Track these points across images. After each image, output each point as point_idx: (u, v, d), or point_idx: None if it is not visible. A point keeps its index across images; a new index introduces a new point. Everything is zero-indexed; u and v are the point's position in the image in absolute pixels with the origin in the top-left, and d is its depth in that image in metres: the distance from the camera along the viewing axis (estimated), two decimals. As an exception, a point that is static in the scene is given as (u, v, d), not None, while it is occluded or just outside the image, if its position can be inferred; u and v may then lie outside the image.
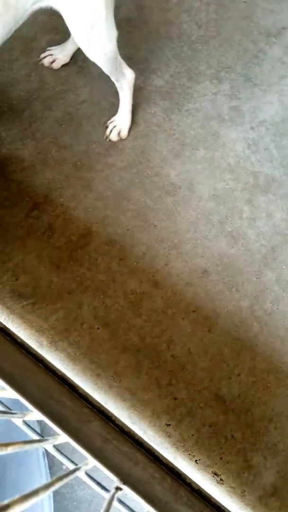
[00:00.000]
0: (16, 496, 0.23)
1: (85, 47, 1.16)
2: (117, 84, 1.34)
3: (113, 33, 1.17)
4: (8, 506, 0.21)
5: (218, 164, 1.36)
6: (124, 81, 1.32)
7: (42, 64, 1.49)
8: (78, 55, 1.42)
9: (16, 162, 1.34)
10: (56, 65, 1.49)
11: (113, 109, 1.43)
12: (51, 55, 1.49)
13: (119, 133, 1.40)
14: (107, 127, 1.42)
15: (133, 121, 1.41)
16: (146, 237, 1.25)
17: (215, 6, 1.59)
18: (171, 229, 1.27)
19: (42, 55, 1.49)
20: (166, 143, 1.38)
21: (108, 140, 1.41)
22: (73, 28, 1.12)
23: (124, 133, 1.41)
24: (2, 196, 1.20)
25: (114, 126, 1.40)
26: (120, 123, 1.40)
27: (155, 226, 1.27)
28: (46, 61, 1.49)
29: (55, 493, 1.05)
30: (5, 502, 0.21)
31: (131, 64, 1.46)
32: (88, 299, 1.18)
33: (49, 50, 1.49)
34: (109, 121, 1.42)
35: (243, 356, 1.14)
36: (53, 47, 1.49)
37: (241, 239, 1.26)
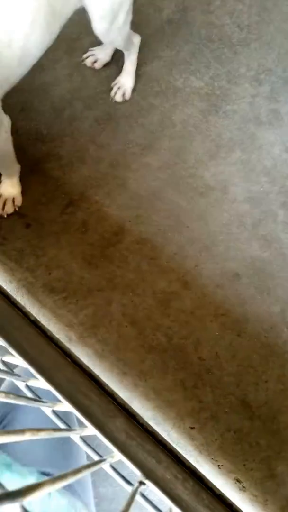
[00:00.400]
0: (47, 478, 0.23)
1: (104, 36, 1.22)
2: (126, 53, 1.40)
3: (129, 18, 1.23)
4: (38, 486, 0.22)
5: (253, 166, 1.35)
6: (133, 46, 1.38)
7: (85, 64, 1.51)
8: (120, 56, 1.44)
9: (55, 160, 1.36)
10: (98, 65, 1.52)
11: (152, 109, 1.43)
12: (93, 55, 1.51)
13: (123, 94, 1.45)
14: (111, 89, 1.46)
15: (170, 121, 1.41)
16: (177, 237, 1.25)
17: (258, 8, 1.57)
18: (203, 230, 1.26)
19: (85, 56, 1.52)
20: (202, 144, 1.38)
21: (113, 101, 1.46)
22: (96, 20, 1.16)
23: (128, 94, 1.46)
24: (39, 192, 1.23)
25: (119, 88, 1.46)
26: (124, 85, 1.45)
27: (187, 226, 1.27)
28: (88, 61, 1.51)
29: (77, 489, 1.06)
30: (37, 482, 0.22)
31: (171, 66, 1.47)
32: (118, 296, 1.19)
33: (91, 50, 1.52)
34: (113, 83, 1.47)
35: (272, 362, 1.13)
36: (95, 48, 1.52)
37: (275, 243, 1.25)
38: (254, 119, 1.42)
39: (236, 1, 1.59)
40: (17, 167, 1.25)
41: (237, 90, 1.46)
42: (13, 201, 1.28)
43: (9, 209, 1.28)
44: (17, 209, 1.29)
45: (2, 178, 1.26)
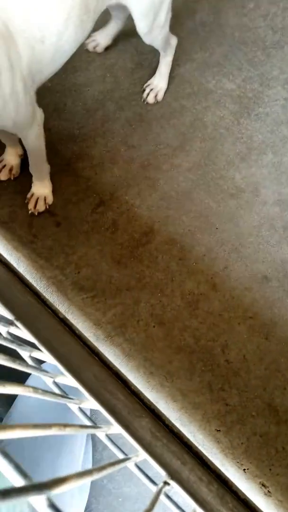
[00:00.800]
0: (73, 472, 0.24)
1: (146, 35, 1.24)
2: (162, 54, 1.40)
3: (169, 17, 1.24)
4: (65, 479, 0.22)
5: (285, 169, 1.33)
6: (170, 48, 1.39)
7: (86, 49, 1.54)
8: (153, 57, 1.44)
9: (86, 159, 1.38)
10: (100, 49, 1.55)
11: (184, 111, 1.43)
12: (94, 40, 1.54)
13: (156, 96, 1.45)
14: (144, 90, 1.47)
15: (202, 123, 1.41)
16: (207, 238, 1.25)
17: (293, 10, 1.56)
18: (232, 232, 1.25)
19: (86, 41, 1.54)
20: (233, 146, 1.37)
21: (145, 103, 1.46)
22: (138, 18, 1.18)
23: (160, 96, 1.46)
24: (71, 192, 1.24)
25: (151, 89, 1.46)
26: (157, 86, 1.46)
27: (217, 228, 1.26)
28: (90, 47, 1.55)
29: (102, 488, 1.07)
30: (63, 476, 0.22)
31: (204, 68, 1.46)
32: (146, 296, 1.19)
33: (92, 35, 1.54)
34: (146, 85, 1.47)
35: (300, 367, 1.11)
36: (95, 33, 1.54)
37: (305, 247, 1.23)
38: (287, 122, 1.40)
39: (270, 4, 1.58)
40: (47, 168, 1.27)
41: (270, 92, 1.45)
42: (45, 200, 1.31)
43: (41, 207, 1.31)
44: (48, 207, 1.31)
45: (33, 179, 1.29)
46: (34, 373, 0.41)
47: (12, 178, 1.35)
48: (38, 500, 0.20)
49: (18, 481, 0.21)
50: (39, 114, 1.09)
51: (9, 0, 0.87)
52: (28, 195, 1.32)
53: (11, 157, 1.34)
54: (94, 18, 1.06)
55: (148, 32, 1.23)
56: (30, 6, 0.90)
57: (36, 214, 1.31)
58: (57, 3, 0.92)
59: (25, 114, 1.01)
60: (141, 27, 1.20)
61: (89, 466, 1.05)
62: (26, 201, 1.32)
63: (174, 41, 1.39)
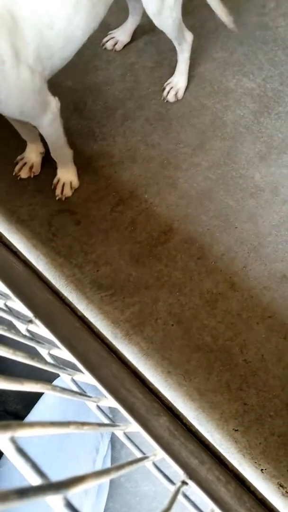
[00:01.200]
0: (91, 471, 0.24)
1: (155, 16, 1.23)
2: (178, 48, 1.39)
3: (180, 1, 1.23)
4: (83, 478, 0.22)
5: (306, 168, 1.32)
6: (185, 43, 1.38)
7: (105, 48, 1.54)
8: (173, 55, 1.44)
9: (106, 158, 1.39)
10: (119, 47, 1.55)
11: (204, 110, 1.43)
12: (113, 38, 1.54)
13: (176, 94, 1.45)
14: (164, 89, 1.46)
15: (221, 122, 1.41)
16: (226, 237, 1.25)
17: (315, 9, 1.54)
18: (252, 231, 1.25)
19: (104, 40, 1.54)
20: (253, 145, 1.36)
21: (166, 101, 1.46)
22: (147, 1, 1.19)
23: (180, 94, 1.46)
24: (90, 190, 1.25)
25: (171, 88, 1.45)
26: (177, 84, 1.45)
27: (236, 227, 1.26)
28: (109, 45, 1.55)
29: (119, 486, 1.07)
30: (81, 475, 0.22)
31: (224, 67, 1.46)
32: (164, 295, 1.19)
33: (111, 33, 1.54)
34: (166, 83, 1.47)
35: None
36: (114, 30, 1.54)
37: None
38: (308, 120, 1.39)
39: (291, 3, 1.56)
40: (69, 153, 1.28)
41: (290, 92, 1.44)
42: (70, 184, 1.33)
43: (67, 192, 1.33)
44: (74, 191, 1.34)
45: (57, 165, 1.31)
46: (52, 370, 0.41)
47: (32, 176, 1.37)
48: (55, 500, 0.20)
49: (35, 480, 0.21)
50: (54, 103, 1.08)
51: None
52: (54, 181, 1.34)
53: (32, 155, 1.36)
54: (106, 3, 1.06)
55: (158, 13, 1.21)
56: None
57: (63, 199, 1.33)
58: None
59: (33, 102, 1.01)
60: (150, 7, 1.19)
61: (108, 465, 1.06)
62: (52, 187, 1.34)
63: (190, 37, 1.38)
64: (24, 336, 0.44)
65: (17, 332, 0.43)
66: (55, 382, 1.02)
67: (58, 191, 1.33)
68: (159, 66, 1.52)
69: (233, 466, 0.89)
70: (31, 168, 1.36)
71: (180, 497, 0.38)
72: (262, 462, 1.01)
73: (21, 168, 1.37)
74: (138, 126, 1.43)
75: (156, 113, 1.45)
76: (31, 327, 0.51)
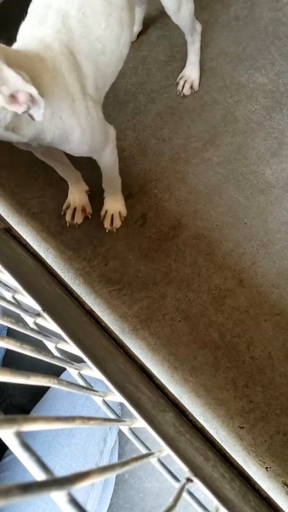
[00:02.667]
0: (95, 467, 0.23)
1: (175, 13, 1.22)
2: (189, 39, 1.38)
3: None
4: (87, 474, 0.22)
5: None
6: (196, 34, 1.37)
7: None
8: (185, 49, 1.43)
9: (117, 152, 1.38)
10: (133, 38, 1.53)
11: (215, 105, 1.42)
12: None
13: (191, 86, 1.44)
14: (177, 83, 1.46)
15: (233, 117, 1.39)
16: (235, 234, 1.24)
17: None
18: (261, 228, 1.24)
19: None
20: (264, 141, 1.35)
21: (181, 95, 1.45)
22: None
23: (196, 85, 1.45)
24: (100, 184, 1.24)
25: (185, 81, 1.44)
26: (190, 76, 1.44)
27: (245, 223, 1.25)
28: None
29: (123, 482, 1.07)
30: (85, 470, 0.22)
31: (236, 62, 1.44)
32: (172, 290, 1.19)
33: None
34: (179, 78, 1.46)
35: None
36: None
37: None
38: None
39: (306, -3, 1.54)
40: (119, 182, 1.23)
41: (303, 87, 1.42)
42: (119, 215, 1.28)
43: (118, 223, 1.28)
44: (122, 220, 1.29)
45: (105, 194, 1.26)
46: (59, 364, 0.41)
47: (90, 217, 1.31)
48: (58, 495, 0.20)
49: (39, 475, 0.21)
50: (111, 130, 1.05)
51: (68, 19, 0.85)
52: (102, 212, 1.29)
53: (79, 196, 1.30)
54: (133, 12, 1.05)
55: (177, 10, 1.21)
56: (88, 20, 0.87)
57: (115, 231, 1.28)
58: (107, 6, 0.90)
59: (100, 136, 0.98)
60: (170, 4, 1.19)
61: (115, 457, 1.06)
62: (101, 219, 1.29)
63: (199, 27, 1.37)
64: (32, 330, 0.44)
65: (25, 325, 0.43)
66: (63, 376, 1.03)
67: (107, 224, 1.27)
68: (171, 60, 1.51)
69: (238, 463, 0.89)
70: (83, 210, 1.30)
71: (184, 494, 0.38)
72: (267, 460, 1.01)
73: (73, 215, 1.30)
74: (149, 120, 1.43)
75: (168, 107, 1.44)
76: (39, 320, 0.51)
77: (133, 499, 1.06)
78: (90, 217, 1.31)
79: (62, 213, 1.31)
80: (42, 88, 0.76)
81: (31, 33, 0.84)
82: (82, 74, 0.87)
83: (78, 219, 1.29)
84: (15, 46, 0.83)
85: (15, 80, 0.64)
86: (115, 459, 1.05)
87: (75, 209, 1.29)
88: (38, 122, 0.79)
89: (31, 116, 0.71)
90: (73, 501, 0.21)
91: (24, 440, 0.22)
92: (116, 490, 1.06)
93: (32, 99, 0.67)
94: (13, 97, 0.67)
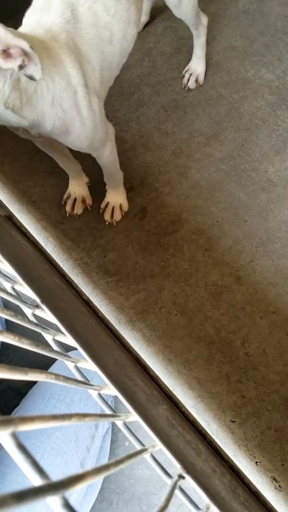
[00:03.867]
0: (90, 469, 0.24)
1: (176, 6, 1.22)
2: (195, 33, 1.38)
3: None
4: (82, 476, 0.22)
5: None
6: (202, 27, 1.36)
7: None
8: (192, 42, 1.42)
9: (119, 144, 1.37)
10: (140, 28, 1.54)
11: (220, 100, 1.42)
12: None
13: (196, 80, 1.44)
14: (183, 76, 1.45)
15: (237, 113, 1.39)
16: (234, 231, 1.24)
17: None
18: (261, 226, 1.24)
19: None
20: (268, 138, 1.35)
21: (186, 88, 1.45)
22: None
23: (201, 79, 1.45)
24: (101, 175, 1.24)
25: (191, 74, 1.44)
26: (196, 70, 1.44)
27: (245, 221, 1.25)
28: None
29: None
30: (80, 472, 0.22)
31: (243, 56, 1.44)
32: (170, 284, 1.20)
33: None
34: (184, 71, 1.46)
35: None
36: None
37: None
38: None
39: (316, -7, 1.53)
40: (121, 176, 1.24)
41: (310, 85, 1.42)
42: (120, 208, 1.28)
43: (118, 216, 1.28)
44: (123, 214, 1.29)
45: (107, 187, 1.26)
46: (57, 357, 0.42)
47: (89, 209, 1.32)
48: (52, 499, 0.20)
49: (34, 479, 0.21)
50: (111, 129, 1.05)
51: (78, 7, 0.85)
52: (102, 205, 1.29)
53: (79, 188, 1.31)
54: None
55: (178, 3, 1.20)
56: (97, 6, 0.87)
57: (115, 224, 1.28)
58: None
59: (101, 132, 0.97)
60: None
61: (107, 444, 1.08)
62: (100, 211, 1.30)
63: (205, 20, 1.36)
64: (30, 322, 0.44)
65: (23, 317, 0.43)
66: (55, 365, 1.04)
67: (107, 216, 1.28)
68: (177, 52, 1.51)
69: (228, 457, 0.90)
70: (83, 201, 1.31)
71: (176, 491, 0.38)
72: (257, 455, 1.02)
73: (73, 206, 1.31)
74: (152, 113, 1.42)
75: (172, 100, 1.44)
76: (38, 312, 0.52)
77: (124, 485, 1.07)
78: (89, 208, 1.31)
79: (62, 203, 1.31)
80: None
81: (38, 20, 0.83)
82: (88, 66, 0.87)
83: (78, 210, 1.30)
84: (20, 30, 0.83)
85: (4, 35, 0.64)
86: (107, 445, 1.07)
87: (75, 200, 1.30)
88: (38, 107, 0.79)
89: (31, 77, 0.70)
90: (67, 505, 0.21)
91: (20, 442, 0.22)
92: (108, 475, 1.07)
93: (25, 53, 0.67)
94: (5, 54, 0.67)
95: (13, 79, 0.72)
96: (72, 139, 0.93)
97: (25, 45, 0.65)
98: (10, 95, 0.74)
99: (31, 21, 0.84)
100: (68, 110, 0.84)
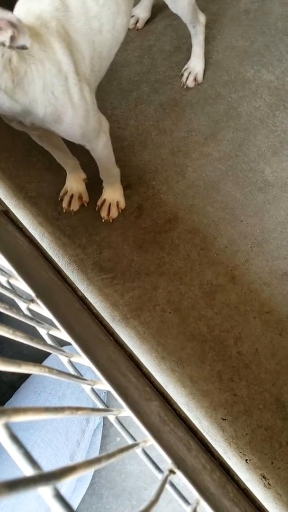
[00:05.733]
0: (81, 461, 0.24)
1: (172, 1, 1.22)
2: (192, 31, 1.38)
3: None
4: (73, 468, 0.22)
5: None
6: (199, 25, 1.36)
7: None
8: (189, 41, 1.42)
9: (117, 141, 1.38)
10: (141, 25, 1.54)
11: (219, 99, 1.42)
12: (133, 16, 1.52)
13: (195, 78, 1.44)
14: (182, 75, 1.46)
15: (236, 113, 1.40)
16: (230, 230, 1.25)
17: None
18: (257, 226, 1.25)
19: None
20: (266, 139, 1.36)
21: (185, 87, 1.45)
22: None
23: (200, 78, 1.45)
24: (97, 173, 1.25)
25: (189, 73, 1.44)
26: (195, 68, 1.44)
27: (241, 221, 1.26)
28: (130, 24, 1.53)
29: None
30: (72, 464, 0.22)
31: (243, 56, 1.44)
32: (164, 282, 1.21)
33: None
34: (183, 69, 1.46)
35: (311, 366, 1.12)
36: (133, 8, 1.52)
37: None
38: None
39: None
40: (117, 172, 1.24)
41: (309, 86, 1.42)
42: (117, 205, 1.28)
43: (114, 213, 1.28)
44: (120, 211, 1.29)
45: (104, 184, 1.26)
46: (51, 351, 0.42)
47: (86, 205, 1.32)
48: (44, 490, 0.20)
49: (26, 469, 0.21)
50: (105, 121, 1.05)
51: None
52: (99, 202, 1.29)
53: (76, 184, 1.31)
54: None
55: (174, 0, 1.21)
56: None
57: (111, 221, 1.28)
58: None
59: (94, 122, 0.98)
60: None
61: (98, 438, 1.08)
62: (96, 209, 1.30)
63: (203, 18, 1.36)
64: (25, 316, 0.44)
65: (18, 311, 0.44)
66: (48, 360, 1.05)
67: (104, 213, 1.28)
68: (177, 51, 1.51)
69: (219, 454, 0.91)
70: (80, 197, 1.31)
71: (167, 486, 0.39)
72: (247, 452, 1.03)
73: (69, 202, 1.30)
74: (151, 111, 1.43)
75: (171, 98, 1.44)
76: (32, 306, 0.52)
77: (115, 480, 1.08)
78: (86, 205, 1.31)
79: (59, 199, 1.31)
80: (30, 53, 0.78)
81: (28, 8, 0.84)
82: (79, 54, 0.88)
83: (74, 206, 1.30)
84: None
85: None
86: (98, 440, 1.08)
87: (72, 196, 1.30)
88: (29, 92, 0.80)
89: (23, 47, 0.71)
90: (59, 496, 0.21)
91: (13, 432, 0.22)
92: (98, 470, 1.08)
93: (13, 25, 0.68)
94: None
95: (4, 59, 0.73)
96: (65, 127, 0.93)
97: (11, 17, 0.66)
98: (2, 75, 0.75)
99: (22, 9, 0.85)
100: (59, 96, 0.85)
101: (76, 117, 0.91)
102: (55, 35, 0.82)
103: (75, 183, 1.30)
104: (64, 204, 1.30)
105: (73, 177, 1.30)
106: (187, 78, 1.44)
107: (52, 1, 0.84)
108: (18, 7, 0.86)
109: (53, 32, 0.82)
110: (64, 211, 1.30)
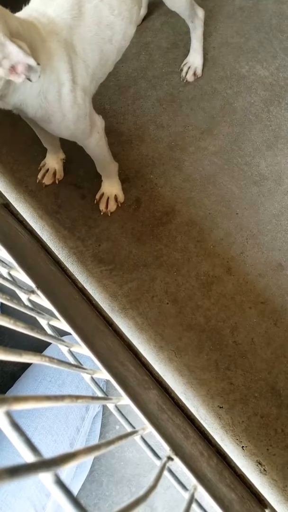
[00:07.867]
0: (81, 448, 0.24)
1: None
2: (191, 26, 1.39)
3: None
4: (74, 455, 0.23)
5: (311, 160, 1.34)
6: (198, 20, 1.37)
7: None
8: (189, 38, 1.44)
9: (115, 135, 1.40)
10: (138, 22, 1.53)
11: (215, 95, 1.44)
12: None
13: (194, 73, 1.46)
14: (181, 70, 1.47)
15: (231, 108, 1.41)
16: (226, 223, 1.27)
17: None
18: (252, 218, 1.27)
19: None
20: (261, 133, 1.38)
21: (185, 81, 1.46)
22: None
23: (199, 72, 1.46)
24: (94, 168, 1.27)
25: (189, 67, 1.46)
26: (194, 63, 1.46)
27: (237, 213, 1.28)
28: None
29: (106, 450, 1.12)
30: (72, 451, 0.23)
31: (238, 53, 1.46)
32: (162, 274, 1.23)
33: None
34: (183, 64, 1.47)
35: (305, 355, 1.14)
36: None
37: None
38: None
39: (310, -8, 1.55)
40: (114, 167, 1.26)
41: (303, 82, 1.44)
42: (115, 199, 1.30)
43: (112, 207, 1.30)
44: (119, 205, 1.31)
45: (102, 178, 1.28)
46: (51, 341, 0.43)
47: (57, 182, 1.36)
48: (44, 476, 0.21)
49: (27, 456, 0.22)
50: (99, 121, 1.07)
51: (85, 4, 0.87)
52: (97, 195, 1.31)
53: (53, 162, 1.34)
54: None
55: None
56: (103, 6, 0.89)
57: (109, 214, 1.30)
58: None
59: (84, 125, 0.99)
60: None
61: (98, 425, 1.10)
62: (95, 202, 1.32)
63: (201, 13, 1.36)
64: (26, 306, 0.45)
65: (19, 302, 0.45)
66: (48, 350, 1.07)
67: (102, 206, 1.30)
68: (174, 47, 1.52)
69: (215, 441, 0.93)
70: (54, 174, 1.35)
71: (165, 472, 0.40)
72: (244, 439, 1.06)
73: (44, 175, 1.35)
74: (148, 106, 1.44)
75: (168, 94, 1.46)
76: (33, 297, 0.53)
77: (114, 467, 1.11)
78: (57, 182, 1.36)
79: (38, 168, 1.38)
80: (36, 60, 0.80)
81: (44, 10, 0.85)
82: (83, 63, 0.89)
83: (47, 180, 1.36)
84: (23, 11, 0.85)
85: (16, 54, 0.68)
86: (97, 427, 1.10)
87: (47, 171, 1.35)
88: (22, 95, 0.82)
89: (28, 79, 0.74)
90: (59, 482, 0.21)
91: (14, 420, 0.22)
92: (98, 457, 1.11)
93: (30, 68, 0.71)
94: (12, 68, 0.71)
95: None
96: (53, 127, 0.96)
97: (33, 63, 0.70)
98: (2, 88, 0.78)
99: (37, 7, 0.86)
100: (51, 101, 0.87)
101: (64, 120, 0.93)
102: (62, 43, 0.84)
103: (52, 161, 1.34)
104: (39, 175, 1.36)
105: (51, 156, 1.34)
106: (186, 72, 1.45)
107: (71, 8, 0.85)
108: (32, 6, 0.87)
109: (61, 40, 0.84)
110: (37, 181, 1.36)
